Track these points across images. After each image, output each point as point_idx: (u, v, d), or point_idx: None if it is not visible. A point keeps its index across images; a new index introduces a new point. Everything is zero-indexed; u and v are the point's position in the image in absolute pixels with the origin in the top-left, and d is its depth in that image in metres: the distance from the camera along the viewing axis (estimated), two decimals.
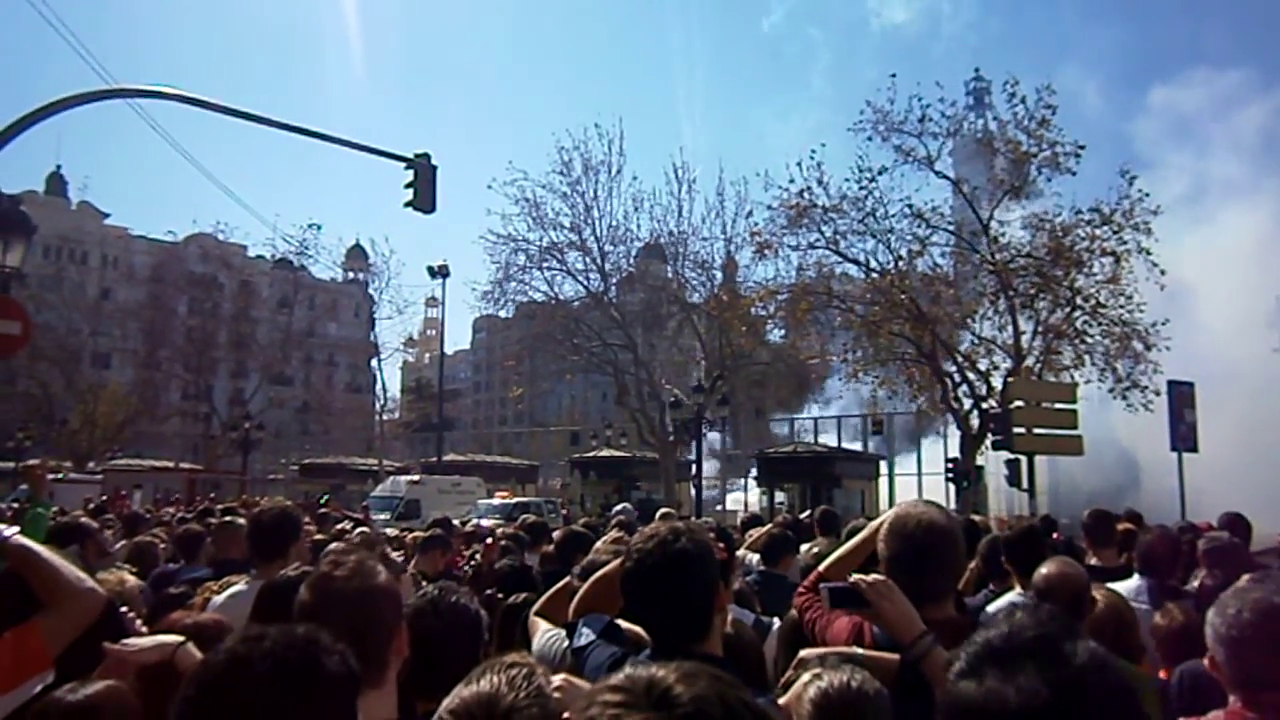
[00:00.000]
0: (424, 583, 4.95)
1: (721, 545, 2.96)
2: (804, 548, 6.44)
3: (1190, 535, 6.68)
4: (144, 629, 3.13)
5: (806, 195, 29.03)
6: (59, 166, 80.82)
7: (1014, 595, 4.82)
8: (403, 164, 18.20)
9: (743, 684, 1.11)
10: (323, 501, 21.92)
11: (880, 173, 28.50)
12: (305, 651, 1.57)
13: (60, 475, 38.59)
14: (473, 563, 7.93)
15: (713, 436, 39.09)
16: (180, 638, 2.50)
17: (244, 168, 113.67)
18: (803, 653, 2.43)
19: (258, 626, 1.64)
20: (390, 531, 14.00)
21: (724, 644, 2.57)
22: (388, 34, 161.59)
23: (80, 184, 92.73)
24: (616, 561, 2.82)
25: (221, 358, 63.98)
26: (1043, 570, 3.95)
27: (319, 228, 58.73)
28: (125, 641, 2.48)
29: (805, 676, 2.14)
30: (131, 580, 4.17)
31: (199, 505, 18.36)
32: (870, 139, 28.52)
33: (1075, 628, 1.22)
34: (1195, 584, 5.66)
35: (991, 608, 4.81)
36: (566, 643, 2.89)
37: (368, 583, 2.27)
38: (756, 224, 32.26)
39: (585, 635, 2.69)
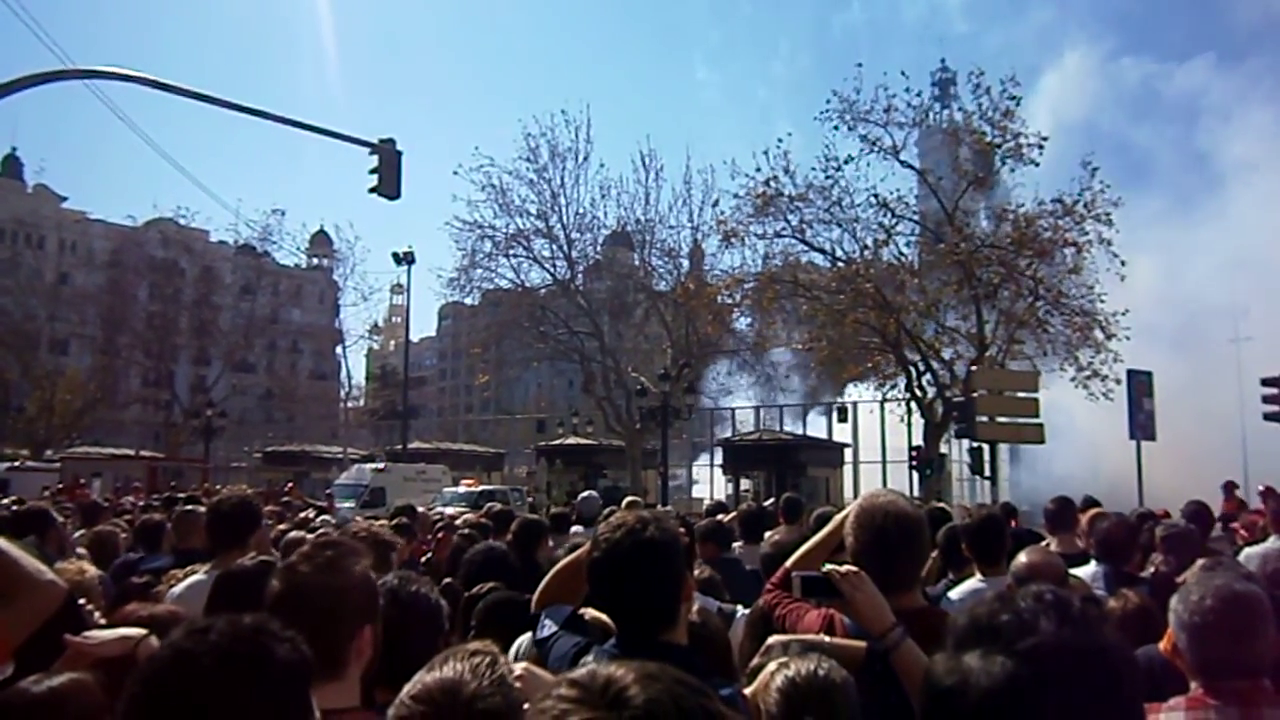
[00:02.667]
0: None
1: (685, 533, 2.97)
2: (767, 535, 6.46)
3: (1149, 523, 6.79)
4: (102, 621, 3.08)
5: (773, 184, 29.17)
6: (14, 148, 79.22)
7: (974, 582, 4.87)
8: (367, 149, 18.04)
9: (707, 688, 1.10)
10: (286, 490, 21.77)
11: (846, 162, 28.70)
12: (253, 641, 1.55)
13: (17, 464, 37.99)
14: (426, 558, 7.71)
15: (679, 424, 39.15)
16: (143, 631, 2.46)
17: (206, 152, 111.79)
18: (770, 640, 2.43)
19: (204, 619, 1.62)
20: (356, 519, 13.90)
21: (690, 632, 2.58)
22: (354, 19, 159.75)
23: (37, 167, 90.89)
24: (578, 552, 2.81)
25: (183, 344, 63.09)
26: (1022, 559, 4.01)
27: (283, 213, 57.81)
28: (87, 634, 2.43)
29: (772, 665, 2.14)
30: (91, 571, 4.10)
31: (161, 494, 18.13)
32: (836, 128, 28.65)
33: (1067, 608, 1.20)
34: (1151, 570, 5.76)
35: (953, 594, 4.86)
36: (528, 636, 2.89)
37: (338, 579, 2.26)
38: (723, 212, 32.29)
39: (548, 626, 2.69)
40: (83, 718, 2.14)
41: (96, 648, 2.38)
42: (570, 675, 1.09)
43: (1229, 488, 14.95)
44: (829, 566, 2.69)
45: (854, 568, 2.62)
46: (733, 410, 43.79)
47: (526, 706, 1.76)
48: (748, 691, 2.17)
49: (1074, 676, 1.13)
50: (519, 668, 1.95)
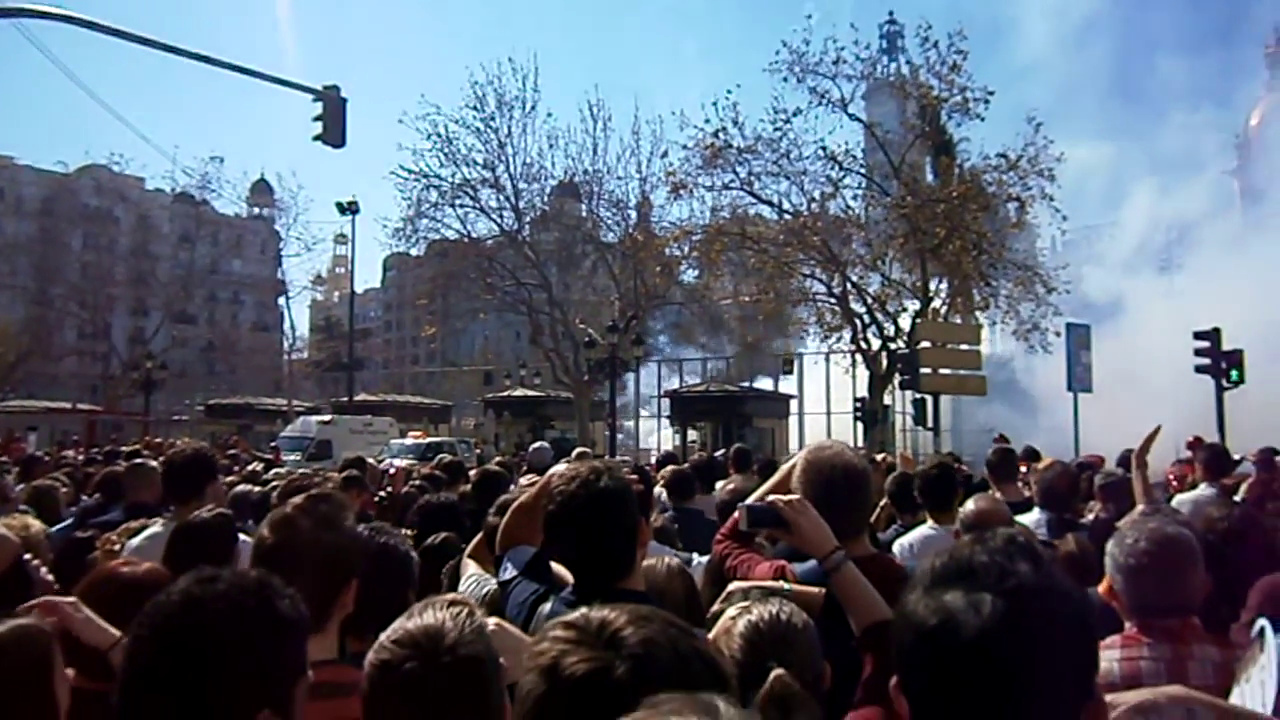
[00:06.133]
0: None
1: (639, 482, 3.00)
2: (719, 485, 6.55)
3: (1088, 472, 6.99)
4: (49, 576, 3.04)
5: (721, 136, 29.08)
6: None
7: (926, 529, 5.00)
8: (311, 96, 17.63)
9: (695, 630, 1.14)
10: (232, 442, 21.51)
11: (795, 114, 28.67)
12: (259, 594, 1.60)
13: None
14: (380, 498, 7.68)
15: (627, 376, 39.27)
16: (121, 636, 2.39)
17: (141, 98, 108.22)
18: (731, 586, 2.49)
19: (210, 568, 1.65)
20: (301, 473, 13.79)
21: (648, 580, 2.63)
22: None
23: None
24: (533, 490, 2.84)
25: (120, 295, 61.62)
26: (970, 505, 4.13)
27: (221, 160, 56.43)
28: (76, 609, 2.38)
29: (733, 610, 2.19)
30: (36, 525, 4.04)
31: (100, 448, 17.81)
32: (785, 80, 28.59)
33: (1034, 552, 1.25)
34: (1090, 517, 5.95)
35: (905, 540, 4.99)
36: (490, 586, 2.92)
37: (331, 535, 2.28)
38: (672, 164, 32.18)
39: (509, 570, 2.72)
40: (22, 669, 2.03)
41: (79, 625, 2.34)
42: (563, 619, 1.12)
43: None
44: (773, 497, 2.76)
45: (797, 496, 2.69)
46: (680, 362, 43.99)
47: (502, 660, 1.80)
48: (709, 635, 2.22)
49: (1052, 615, 1.19)
50: (491, 622, 1.98)
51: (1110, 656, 2.57)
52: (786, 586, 2.46)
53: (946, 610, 1.19)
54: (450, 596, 1.78)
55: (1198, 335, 21.87)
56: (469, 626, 1.63)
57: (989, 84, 27.97)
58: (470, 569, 3.10)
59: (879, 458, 10.69)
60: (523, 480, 6.03)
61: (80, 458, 14.65)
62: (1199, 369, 21.60)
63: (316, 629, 2.06)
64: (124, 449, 12.97)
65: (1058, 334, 25.97)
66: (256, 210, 72.37)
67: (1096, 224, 62.60)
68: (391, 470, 8.34)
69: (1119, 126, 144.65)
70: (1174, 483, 8.11)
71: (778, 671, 1.89)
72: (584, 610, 1.14)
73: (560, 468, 2.66)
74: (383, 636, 1.64)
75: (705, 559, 3.80)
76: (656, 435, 40.97)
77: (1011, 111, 30.11)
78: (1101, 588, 2.84)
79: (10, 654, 2.04)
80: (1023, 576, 1.20)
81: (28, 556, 3.00)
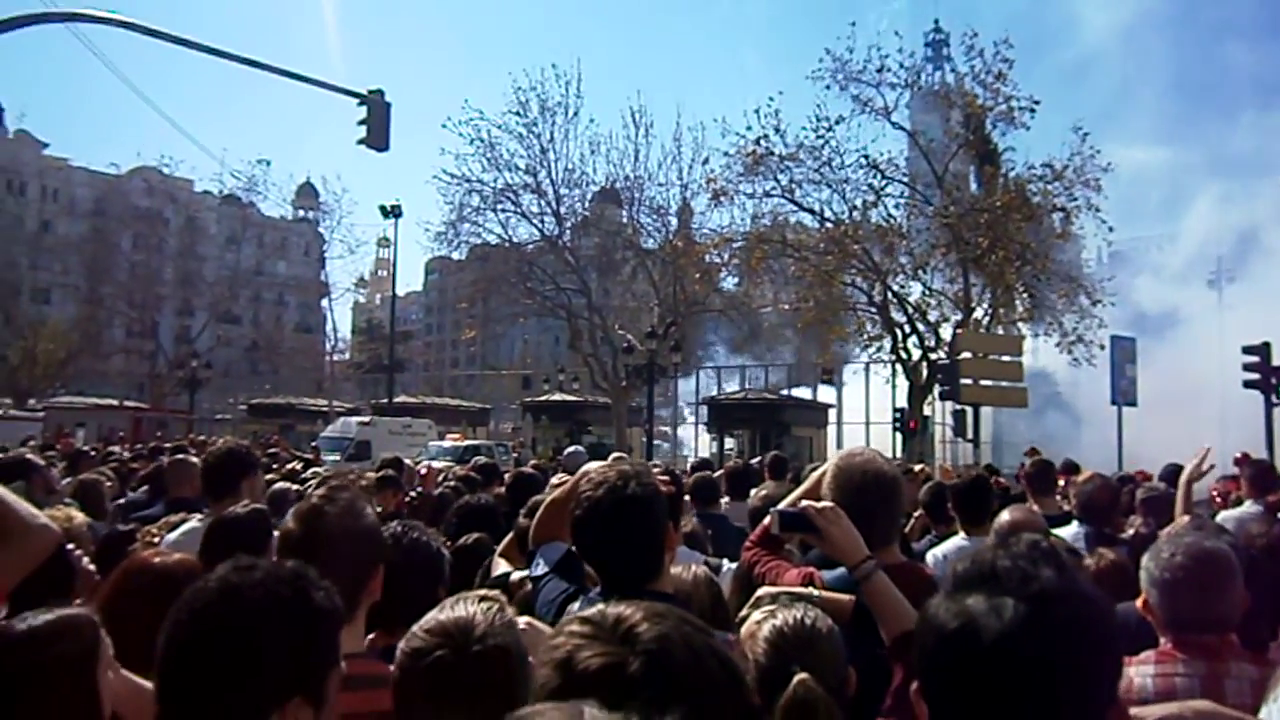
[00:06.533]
0: None
1: (670, 484, 3.00)
2: (753, 491, 6.54)
3: (1130, 486, 6.88)
4: (91, 566, 3.10)
5: (763, 143, 29.00)
6: None
7: (959, 540, 4.96)
8: (356, 100, 17.83)
9: (709, 627, 1.14)
10: (273, 441, 21.77)
11: (837, 122, 28.57)
12: (294, 585, 1.62)
13: (0, 413, 37.82)
14: (411, 498, 7.68)
15: (665, 382, 39.27)
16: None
17: (191, 101, 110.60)
18: (760, 591, 2.48)
19: (247, 558, 1.67)
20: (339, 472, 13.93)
21: (679, 588, 2.62)
22: None
23: (18, 113, 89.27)
24: (565, 487, 2.85)
25: (167, 294, 62.65)
26: (1004, 517, 4.09)
27: (268, 164, 57.42)
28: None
29: (758, 614, 2.19)
30: (79, 517, 4.12)
31: (145, 444, 18.11)
32: (828, 88, 28.52)
33: (1059, 558, 1.24)
34: (1131, 532, 5.85)
35: (938, 550, 4.95)
36: (503, 570, 2.93)
37: (357, 522, 2.30)
38: (713, 171, 32.13)
39: (541, 566, 2.74)
40: (69, 657, 2.02)
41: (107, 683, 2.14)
42: (580, 614, 1.13)
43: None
44: (805, 503, 2.74)
45: (830, 504, 2.67)
46: (719, 369, 43.88)
47: (531, 659, 1.81)
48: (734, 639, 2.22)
49: (1075, 620, 1.18)
50: (522, 620, 2.00)
51: (1144, 672, 2.53)
52: (815, 593, 2.45)
53: (968, 614, 1.19)
54: (482, 592, 1.81)
55: (1247, 350, 21.45)
56: (499, 620, 1.67)
57: (1044, 79, 27.76)
58: (501, 568, 3.12)
59: (917, 468, 10.59)
60: (554, 480, 6.05)
61: (126, 453, 14.89)
62: (1248, 384, 21.18)
63: (347, 618, 2.09)
64: (167, 445, 13.18)
65: (1102, 346, 25.62)
66: (301, 213, 73.37)
67: (1149, 235, 61.31)
68: (423, 471, 8.38)
69: (1180, 127, 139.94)
70: (1218, 499, 7.95)
71: (801, 675, 1.89)
72: (600, 606, 1.15)
73: (593, 466, 2.66)
74: (415, 627, 1.67)
75: (734, 565, 3.79)
76: (694, 442, 40.90)
77: (1065, 112, 29.77)
78: (1139, 602, 2.79)
79: (54, 643, 2.03)
80: (1045, 581, 1.19)
81: (70, 546, 3.05)
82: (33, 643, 2.01)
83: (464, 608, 1.69)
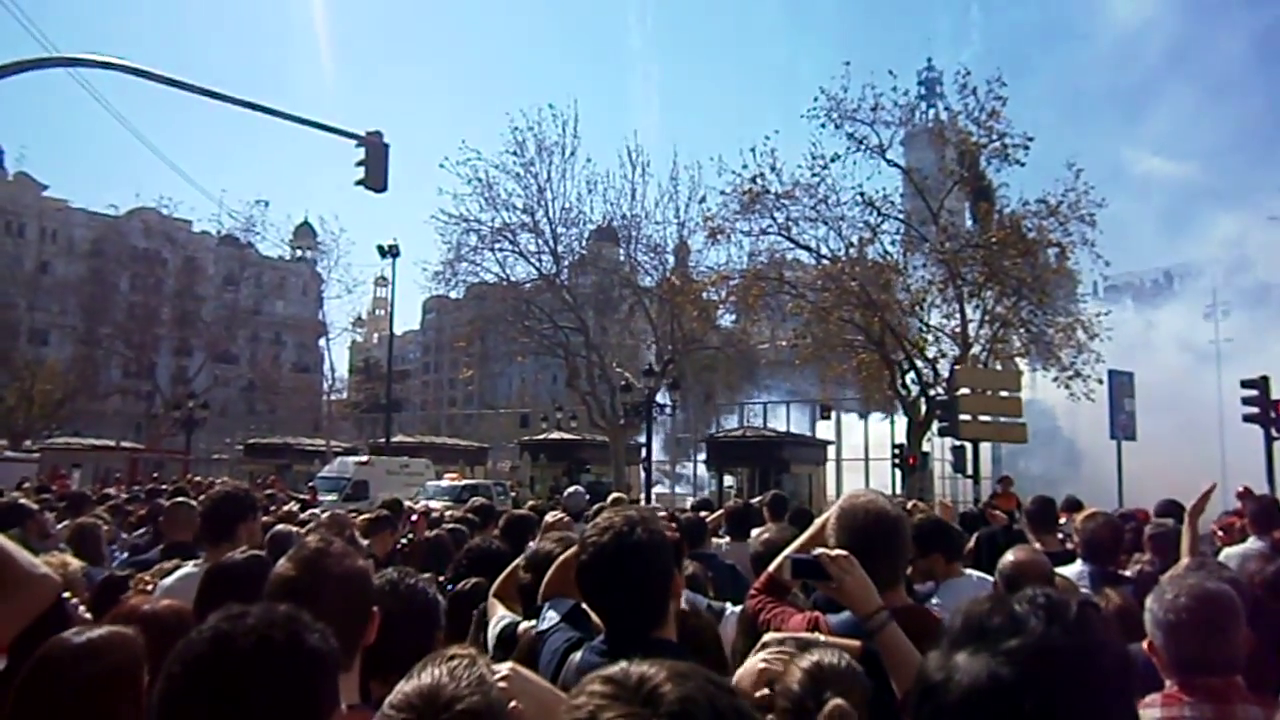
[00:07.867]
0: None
1: (675, 529, 2.99)
2: (754, 533, 6.50)
3: (1131, 523, 6.84)
4: (87, 615, 3.08)
5: (759, 181, 29.14)
6: None
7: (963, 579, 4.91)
8: (354, 141, 17.95)
9: (734, 688, 1.13)
10: (270, 482, 21.69)
11: (833, 160, 28.70)
12: (288, 629, 1.60)
13: None
14: (400, 544, 7.61)
15: (662, 420, 39.20)
16: None
17: (190, 142, 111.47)
18: (766, 636, 2.46)
19: (238, 605, 1.66)
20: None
21: (680, 626, 2.60)
22: (341, 9, 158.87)
23: (16, 154, 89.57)
24: (574, 549, 2.83)
25: (165, 335, 62.81)
26: (1009, 557, 4.06)
27: (266, 204, 57.67)
28: None
29: (784, 652, 2.20)
30: (74, 564, 4.10)
31: (142, 485, 18.03)
32: (823, 126, 28.65)
33: (1065, 610, 1.22)
34: (1135, 569, 5.81)
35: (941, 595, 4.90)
36: (506, 621, 2.90)
37: (356, 566, 2.29)
38: (709, 209, 32.29)
39: (549, 619, 2.72)
40: (122, 669, 2.19)
41: None
42: (601, 673, 1.11)
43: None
44: (819, 550, 2.72)
45: (843, 552, 2.66)
46: (717, 406, 43.80)
47: (514, 705, 1.79)
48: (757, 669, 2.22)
49: (1058, 677, 1.14)
50: (504, 667, 1.97)
51: (1150, 715, 2.51)
52: (822, 638, 2.43)
53: (949, 668, 1.18)
54: (452, 650, 1.78)
55: (1245, 384, 21.45)
56: (466, 679, 1.64)
57: (1060, 80, 27.89)
58: (498, 610, 3.10)
59: (909, 504, 10.52)
60: (548, 518, 6.03)
61: (123, 495, 14.82)
62: (1247, 418, 21.15)
63: (344, 666, 2.07)
64: (165, 487, 13.12)
65: (1100, 381, 25.63)
66: (299, 253, 73.62)
67: (1144, 269, 61.35)
68: (414, 517, 8.30)
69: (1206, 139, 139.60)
70: (1220, 534, 7.90)
71: (836, 701, 1.88)
72: (624, 665, 1.12)
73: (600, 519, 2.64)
74: (386, 701, 1.65)
75: (738, 609, 3.76)
76: (692, 481, 40.74)
77: (1073, 122, 29.80)
78: (1145, 643, 2.77)
79: (108, 655, 2.22)
80: (1029, 636, 1.17)
81: (66, 595, 3.03)
82: (91, 654, 2.22)
83: (430, 673, 1.66)
